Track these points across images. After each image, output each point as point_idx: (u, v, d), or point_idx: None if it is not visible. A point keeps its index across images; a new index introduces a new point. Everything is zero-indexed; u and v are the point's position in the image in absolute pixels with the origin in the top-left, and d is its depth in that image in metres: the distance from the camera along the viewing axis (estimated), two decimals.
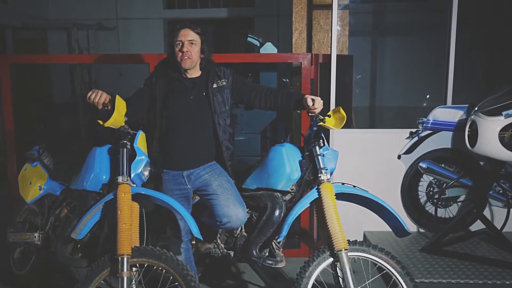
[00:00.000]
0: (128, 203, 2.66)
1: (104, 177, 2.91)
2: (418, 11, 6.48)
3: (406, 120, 5.32)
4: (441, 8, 4.77)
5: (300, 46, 5.17)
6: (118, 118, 2.63)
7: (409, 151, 4.29)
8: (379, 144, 4.32)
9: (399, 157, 4.31)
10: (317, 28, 5.15)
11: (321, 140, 2.86)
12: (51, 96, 9.35)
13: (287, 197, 2.98)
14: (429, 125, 4.23)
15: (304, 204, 2.79)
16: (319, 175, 2.79)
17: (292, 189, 2.95)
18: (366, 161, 4.31)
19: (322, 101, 2.75)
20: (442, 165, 4.23)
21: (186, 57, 2.85)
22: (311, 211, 3.96)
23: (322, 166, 2.80)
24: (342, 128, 2.84)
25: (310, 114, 2.76)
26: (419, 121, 4.25)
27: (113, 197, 2.72)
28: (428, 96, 6.05)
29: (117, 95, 2.63)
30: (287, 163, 2.93)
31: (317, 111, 2.73)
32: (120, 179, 2.71)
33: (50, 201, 3.31)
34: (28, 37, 9.64)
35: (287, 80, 5.45)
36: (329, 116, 2.74)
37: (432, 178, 4.28)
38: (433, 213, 4.29)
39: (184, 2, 9.98)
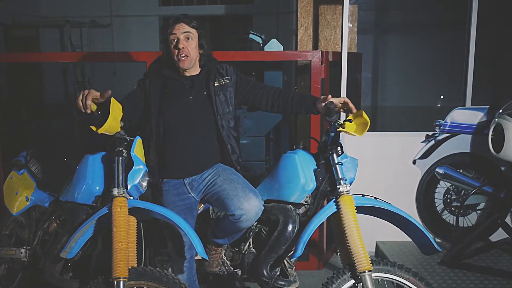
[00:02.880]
0: (124, 218, 2.37)
1: (97, 188, 2.62)
2: (428, 8, 6.21)
3: (419, 121, 5.08)
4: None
5: (306, 43, 4.89)
6: (113, 124, 2.34)
7: (425, 155, 4.03)
8: (392, 148, 4.05)
9: (414, 162, 4.05)
10: (324, 24, 4.87)
11: (339, 147, 2.57)
12: (43, 95, 9.04)
13: (301, 210, 2.68)
14: (446, 128, 3.97)
15: (320, 219, 2.50)
16: (337, 186, 2.50)
17: (306, 202, 2.65)
18: (378, 166, 4.05)
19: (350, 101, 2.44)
20: (461, 171, 3.96)
21: (184, 55, 2.55)
22: None
23: (340, 177, 2.51)
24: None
25: (328, 118, 2.47)
26: (436, 123, 3.99)
27: (107, 211, 2.43)
28: (442, 97, 5.78)
29: (112, 98, 2.33)
30: (301, 172, 2.63)
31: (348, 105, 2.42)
32: (115, 191, 2.42)
33: (38, 213, 3.01)
34: (19, 35, 9.34)
35: (285, 78, 5.15)
36: (350, 121, 2.44)
37: (450, 184, 4.02)
38: (451, 221, 4.04)
39: None
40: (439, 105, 5.78)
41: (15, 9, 8.84)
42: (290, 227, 2.62)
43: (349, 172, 2.60)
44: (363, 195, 2.58)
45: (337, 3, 4.78)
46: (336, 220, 2.54)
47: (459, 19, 4.94)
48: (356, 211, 2.46)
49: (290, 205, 2.66)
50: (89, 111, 2.27)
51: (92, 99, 2.27)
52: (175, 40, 2.56)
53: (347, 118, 2.46)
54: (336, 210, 2.49)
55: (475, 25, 4.01)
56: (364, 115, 2.42)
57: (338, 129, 2.49)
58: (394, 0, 6.58)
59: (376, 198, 2.58)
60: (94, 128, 2.31)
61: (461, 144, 3.98)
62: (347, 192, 2.49)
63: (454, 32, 5.68)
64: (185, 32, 2.55)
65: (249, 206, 2.48)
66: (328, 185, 2.61)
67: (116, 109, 2.34)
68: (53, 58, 5.39)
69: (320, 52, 3.74)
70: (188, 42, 2.56)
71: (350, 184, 2.59)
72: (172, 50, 2.58)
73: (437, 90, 5.91)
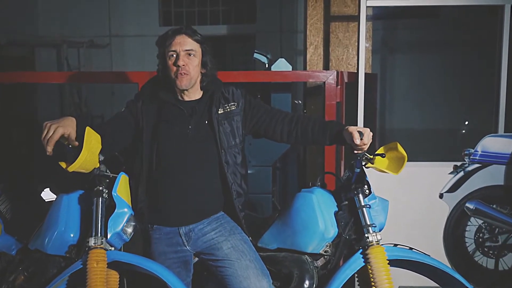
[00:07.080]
0: (101, 276, 1.93)
1: (71, 235, 2.15)
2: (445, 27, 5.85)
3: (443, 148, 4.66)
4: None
5: (315, 63, 4.50)
6: (89, 159, 1.89)
7: (453, 188, 3.58)
8: (417, 180, 3.60)
9: (441, 196, 3.59)
10: (335, 43, 4.48)
11: (365, 186, 2.13)
12: (37, 117, 8.71)
13: (319, 262, 2.23)
14: (477, 158, 3.53)
15: (345, 275, 2.06)
16: (365, 234, 2.06)
17: (326, 252, 2.20)
18: (401, 201, 3.58)
19: (371, 134, 2.03)
20: (494, 206, 3.51)
21: (183, 73, 2.14)
22: None
23: (369, 223, 2.07)
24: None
25: (356, 152, 2.03)
26: (465, 152, 3.55)
27: (82, 266, 1.98)
28: (466, 123, 5.37)
29: (87, 127, 1.89)
30: (319, 216, 2.19)
31: (366, 147, 2.01)
32: (91, 241, 1.99)
33: (4, 262, 2.54)
34: (14, 55, 9.05)
35: (300, 101, 4.77)
36: (382, 155, 2.00)
37: (482, 222, 3.56)
38: (483, 264, 3.57)
39: (181, 19, 9.45)
40: (463, 131, 5.37)
41: (10, 27, 8.55)
42: (306, 284, 2.18)
43: (378, 217, 2.16)
44: (395, 245, 2.13)
45: (350, 20, 4.40)
46: (363, 276, 2.09)
47: (478, 37, 4.56)
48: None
49: (307, 256, 2.23)
50: (49, 150, 1.85)
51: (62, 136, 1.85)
52: (174, 56, 2.15)
53: (378, 152, 2.02)
54: (363, 263, 2.04)
55: (507, 43, 3.60)
56: (400, 148, 1.98)
57: (365, 165, 2.05)
58: (408, 19, 6.23)
59: (410, 249, 2.13)
60: (64, 165, 1.87)
61: (494, 175, 3.54)
62: (377, 242, 2.04)
63: (475, 51, 5.31)
64: (187, 47, 2.15)
65: None
66: (352, 232, 2.17)
67: (92, 141, 1.91)
68: (40, 78, 5.02)
69: (335, 72, 3.33)
70: (189, 59, 2.16)
71: (380, 230, 2.14)
72: (169, 66, 2.16)
73: (461, 113, 5.51)
